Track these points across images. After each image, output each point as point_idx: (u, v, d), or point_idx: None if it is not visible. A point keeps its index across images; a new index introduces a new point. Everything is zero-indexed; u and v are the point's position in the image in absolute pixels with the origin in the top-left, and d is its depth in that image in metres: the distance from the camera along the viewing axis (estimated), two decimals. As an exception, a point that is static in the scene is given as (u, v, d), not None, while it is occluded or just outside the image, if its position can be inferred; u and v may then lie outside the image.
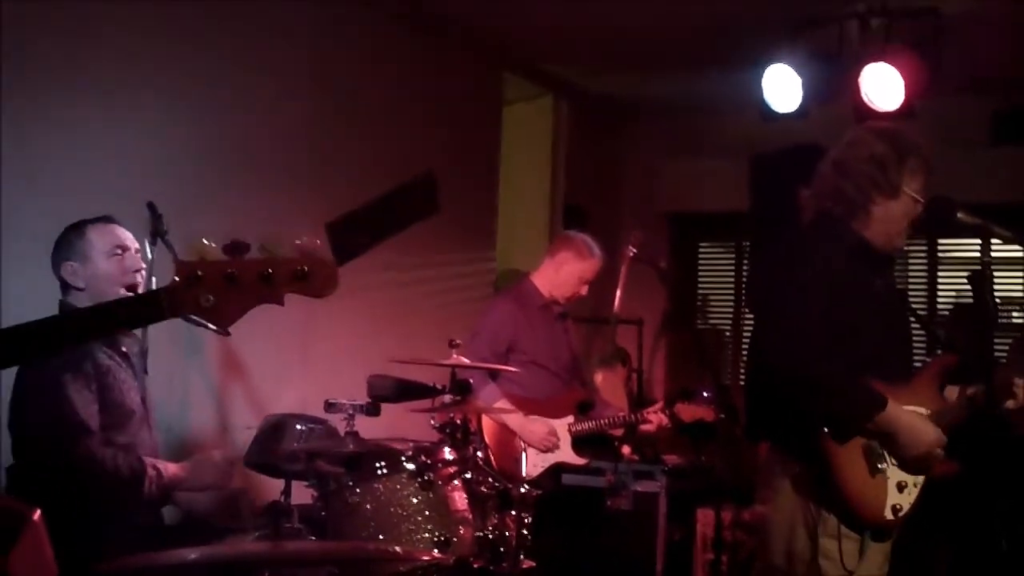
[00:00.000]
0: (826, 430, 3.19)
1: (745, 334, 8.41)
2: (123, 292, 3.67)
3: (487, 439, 5.14)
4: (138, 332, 4.00)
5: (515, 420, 5.21)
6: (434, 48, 6.62)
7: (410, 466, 3.87)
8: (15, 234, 4.13)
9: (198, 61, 5.02)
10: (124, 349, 3.77)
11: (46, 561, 2.96)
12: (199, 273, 1.85)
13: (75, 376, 3.50)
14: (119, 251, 3.71)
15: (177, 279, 1.85)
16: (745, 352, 8.30)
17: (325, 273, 1.92)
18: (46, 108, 4.37)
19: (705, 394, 5.52)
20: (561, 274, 5.57)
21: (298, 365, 5.49)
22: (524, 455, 5.14)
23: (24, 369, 3.50)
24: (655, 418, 5.49)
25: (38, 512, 2.96)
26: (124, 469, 3.51)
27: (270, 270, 1.88)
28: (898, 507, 3.26)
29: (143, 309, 1.96)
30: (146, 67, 4.77)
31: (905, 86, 5.67)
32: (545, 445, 5.28)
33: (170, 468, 3.61)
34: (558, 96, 8.10)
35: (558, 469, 5.35)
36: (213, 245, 1.89)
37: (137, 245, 3.80)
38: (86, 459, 3.45)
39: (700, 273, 9.14)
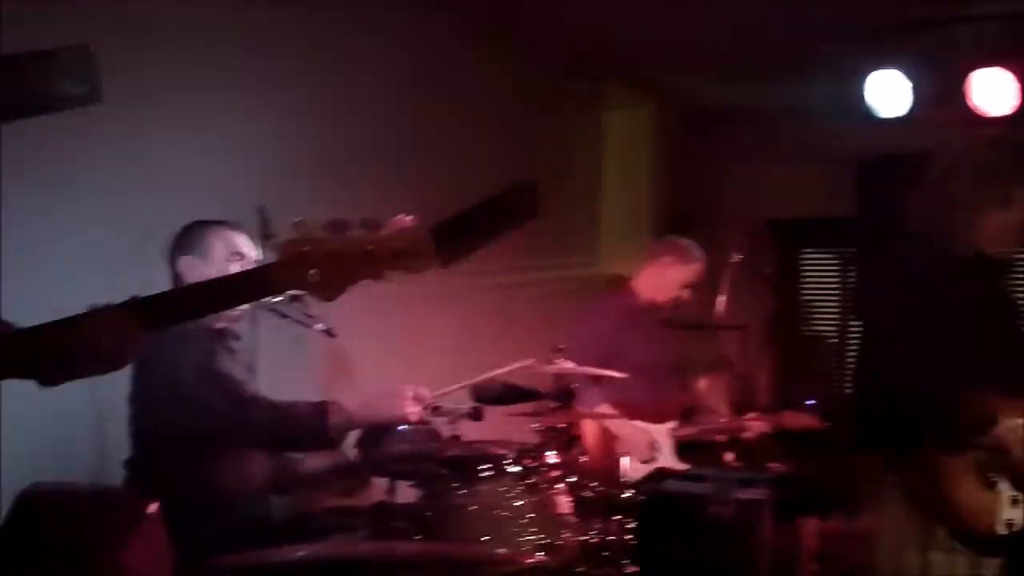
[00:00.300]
0: (937, 443, 3.14)
1: (851, 342, 8.28)
2: None
3: (588, 443, 5.14)
4: (245, 332, 4.06)
5: (617, 426, 5.21)
6: (536, 54, 6.63)
7: (514, 469, 3.89)
8: (129, 232, 4.22)
9: (305, 64, 5.10)
10: (231, 346, 3.83)
11: (162, 555, 3.04)
12: (305, 249, 1.88)
13: (186, 364, 3.52)
14: (237, 257, 3.76)
15: (283, 255, 1.88)
16: (851, 360, 8.19)
17: (422, 250, 1.95)
18: (162, 108, 4.48)
19: (810, 402, 5.46)
20: (663, 279, 5.55)
21: (401, 367, 5.54)
22: (626, 459, 5.13)
23: (148, 362, 3.53)
24: (758, 425, 5.44)
25: (155, 506, 3.04)
26: (303, 406, 3.54)
27: (371, 247, 1.89)
28: (1012, 522, 3.19)
29: (254, 283, 1.99)
30: (256, 70, 4.86)
31: (1019, 90, 5.55)
32: (643, 457, 5.25)
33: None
34: (660, 103, 8.07)
35: (660, 474, 5.32)
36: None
37: (254, 253, 3.86)
38: (266, 419, 3.52)
39: (804, 280, 9.02)
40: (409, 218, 1.95)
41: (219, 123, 4.71)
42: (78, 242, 4.21)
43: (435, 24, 5.83)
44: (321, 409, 3.53)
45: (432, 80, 5.84)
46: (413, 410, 3.59)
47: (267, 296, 2.00)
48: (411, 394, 3.61)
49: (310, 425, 3.51)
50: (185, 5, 4.59)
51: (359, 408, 3.59)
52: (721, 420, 5.59)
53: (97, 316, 1.91)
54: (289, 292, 3.68)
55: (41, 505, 3.09)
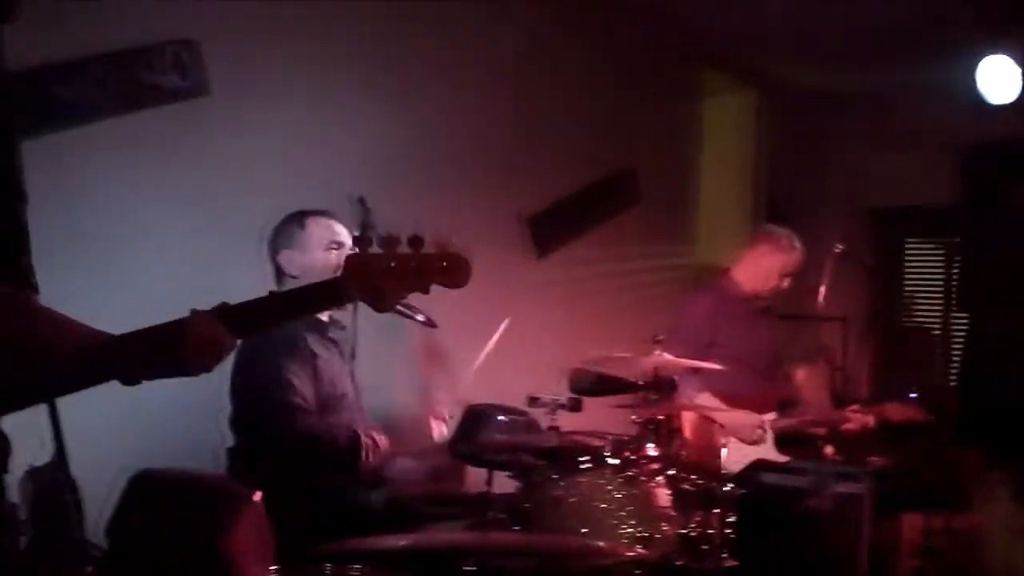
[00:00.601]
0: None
1: (955, 334, 8.13)
2: None
3: (687, 434, 5.11)
4: (346, 321, 4.11)
5: (722, 413, 5.17)
6: (635, 41, 6.60)
7: (614, 461, 3.88)
8: (233, 225, 4.29)
9: (404, 59, 5.13)
10: (332, 336, 3.89)
11: (265, 542, 3.10)
12: (366, 265, 2.09)
13: (292, 358, 3.64)
14: (335, 245, 3.82)
15: (347, 270, 2.10)
16: (955, 353, 8.04)
17: (462, 266, 2.16)
18: (263, 103, 4.55)
19: (912, 395, 5.37)
20: (761, 267, 5.50)
21: (499, 355, 5.55)
22: (724, 450, 5.09)
23: (242, 355, 3.64)
24: (859, 418, 5.37)
25: (258, 494, 3.10)
26: (341, 440, 3.64)
27: (416, 263, 2.12)
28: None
29: (325, 295, 2.20)
30: (356, 66, 4.92)
31: None
32: (753, 437, 5.22)
33: (385, 440, 3.71)
34: (760, 90, 7.97)
35: (759, 467, 5.27)
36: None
37: (351, 241, 3.90)
38: (305, 434, 3.59)
39: (907, 270, 8.86)
40: (452, 238, 2.16)
41: (321, 113, 4.77)
42: (182, 234, 4.29)
43: (535, 10, 5.83)
44: (354, 442, 3.65)
45: (532, 68, 5.84)
46: (437, 431, 3.83)
47: (335, 307, 2.14)
48: (432, 416, 3.87)
49: (341, 453, 3.64)
50: (287, 4, 4.65)
51: (390, 444, 3.73)
52: (820, 412, 5.52)
53: (187, 323, 2.01)
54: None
55: (152, 489, 3.17)
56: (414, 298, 3.97)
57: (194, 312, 2.03)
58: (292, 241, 3.82)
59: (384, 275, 2.09)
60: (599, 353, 4.61)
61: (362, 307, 3.91)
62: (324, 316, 3.84)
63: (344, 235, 3.86)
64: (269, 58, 4.58)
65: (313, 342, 3.75)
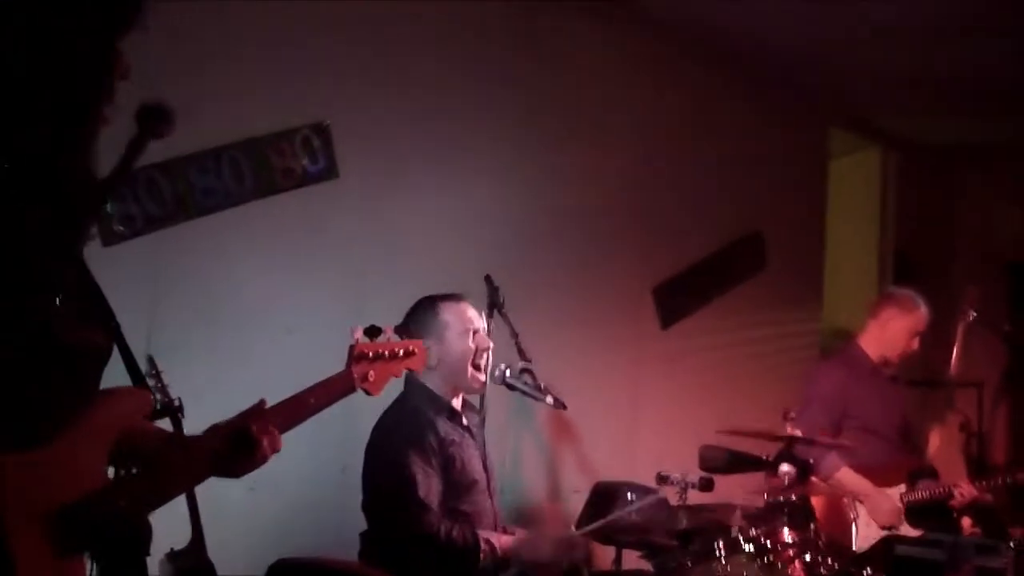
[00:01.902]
0: None
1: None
2: (472, 371, 3.81)
3: (820, 511, 5.00)
4: (476, 402, 4.13)
5: (860, 491, 5.07)
6: (759, 105, 6.57)
7: (749, 547, 3.82)
8: (365, 306, 4.35)
9: (524, 135, 5.21)
10: (465, 422, 3.90)
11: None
12: (368, 354, 2.50)
13: (419, 451, 3.65)
14: (470, 331, 3.84)
15: (355, 360, 2.48)
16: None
17: (421, 352, 2.68)
18: (391, 184, 4.65)
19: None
20: (888, 332, 5.40)
21: (626, 431, 5.54)
22: (854, 526, 4.99)
23: (372, 444, 3.73)
24: (997, 488, 5.21)
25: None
26: (459, 543, 3.61)
27: (399, 351, 2.59)
28: None
29: (340, 387, 2.46)
30: (478, 145, 5.00)
31: None
32: (891, 522, 5.09)
33: (504, 541, 3.70)
34: (886, 147, 7.86)
35: (892, 541, 5.14)
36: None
37: (484, 324, 3.93)
38: (424, 534, 3.58)
39: (1045, 329, 8.59)
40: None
41: (449, 193, 4.83)
42: (313, 316, 4.37)
43: (649, 80, 5.85)
44: (473, 547, 3.62)
45: (657, 138, 5.85)
46: (561, 553, 3.73)
47: (346, 395, 2.47)
48: (555, 535, 3.79)
49: (459, 556, 3.61)
50: (415, 87, 4.74)
51: (508, 547, 3.68)
52: (956, 482, 5.36)
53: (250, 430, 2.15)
54: (523, 366, 3.76)
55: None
56: (545, 378, 4.03)
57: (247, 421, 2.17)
58: (427, 330, 3.77)
59: (376, 362, 2.51)
60: (730, 428, 4.55)
61: (491, 389, 3.96)
62: (456, 402, 3.87)
63: (477, 319, 3.89)
64: (396, 140, 4.66)
65: (445, 428, 3.77)
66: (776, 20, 5.74)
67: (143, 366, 2.97)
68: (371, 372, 2.49)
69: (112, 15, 1.95)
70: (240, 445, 2.11)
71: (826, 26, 5.81)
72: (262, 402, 2.22)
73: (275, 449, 2.16)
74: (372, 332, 2.51)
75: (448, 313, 3.84)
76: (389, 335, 2.55)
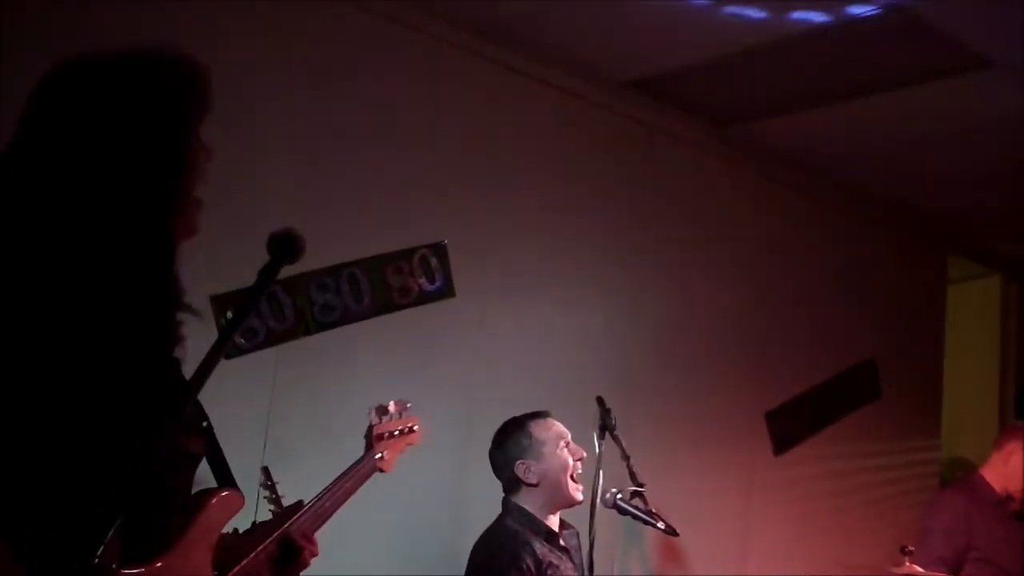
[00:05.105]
0: None
1: None
2: (571, 483, 3.82)
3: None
4: (574, 520, 4.10)
5: None
6: (878, 233, 6.53)
7: None
8: (484, 419, 4.36)
9: (638, 259, 5.24)
10: (563, 543, 3.88)
11: None
12: (384, 434, 2.91)
13: (517, 571, 3.64)
14: (563, 443, 3.88)
15: (372, 442, 2.92)
16: None
17: (418, 430, 3.09)
18: (515, 303, 4.70)
19: None
20: (1010, 466, 5.23)
21: (736, 558, 5.43)
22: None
23: (473, 565, 3.75)
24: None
25: None
26: None
27: (402, 429, 2.99)
28: None
29: (365, 473, 2.82)
30: (591, 266, 5.05)
31: None
32: None
33: None
34: (1006, 275, 7.71)
35: None
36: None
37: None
38: None
39: None
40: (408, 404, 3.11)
41: (563, 313, 4.87)
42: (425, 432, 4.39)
43: (774, 203, 5.87)
44: None
45: (772, 263, 5.84)
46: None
47: (370, 477, 2.82)
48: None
49: None
50: (528, 207, 4.82)
51: None
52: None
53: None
54: (633, 490, 3.76)
55: None
56: (654, 502, 3.99)
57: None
58: (523, 450, 3.87)
59: (387, 443, 2.91)
60: (845, 566, 4.44)
61: (600, 512, 3.92)
62: (554, 523, 3.85)
63: (565, 431, 3.95)
64: (509, 259, 4.73)
65: (542, 551, 3.76)
66: (897, 153, 5.74)
67: (258, 476, 3.04)
68: (385, 452, 2.90)
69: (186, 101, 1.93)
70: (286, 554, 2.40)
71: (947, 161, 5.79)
72: (299, 503, 2.56)
73: (313, 555, 2.44)
74: (381, 411, 2.98)
75: (539, 431, 3.90)
76: (392, 412, 3.00)
